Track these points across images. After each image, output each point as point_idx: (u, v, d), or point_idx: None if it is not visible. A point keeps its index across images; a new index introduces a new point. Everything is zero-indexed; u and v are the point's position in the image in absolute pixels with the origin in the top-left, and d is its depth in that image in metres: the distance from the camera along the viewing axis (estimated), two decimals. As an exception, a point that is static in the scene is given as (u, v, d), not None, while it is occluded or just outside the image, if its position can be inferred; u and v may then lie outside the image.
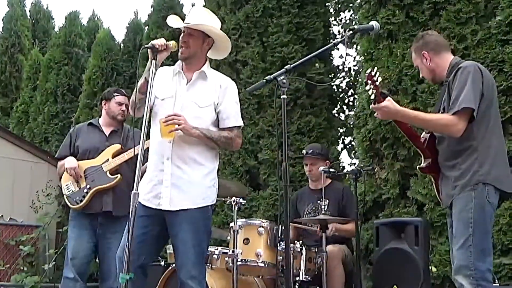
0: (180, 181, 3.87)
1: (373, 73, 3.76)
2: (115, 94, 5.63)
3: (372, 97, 3.80)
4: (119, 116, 5.58)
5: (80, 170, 5.32)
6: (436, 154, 4.00)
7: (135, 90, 3.92)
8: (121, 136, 5.54)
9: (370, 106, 3.98)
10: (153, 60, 3.71)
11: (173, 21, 3.98)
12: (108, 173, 5.31)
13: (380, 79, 3.76)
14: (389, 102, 3.80)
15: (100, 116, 5.74)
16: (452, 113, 3.73)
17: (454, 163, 3.83)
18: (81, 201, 5.28)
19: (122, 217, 5.26)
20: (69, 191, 5.34)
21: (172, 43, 3.81)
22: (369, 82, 3.76)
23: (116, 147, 5.42)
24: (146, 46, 3.73)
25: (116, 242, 5.30)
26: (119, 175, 5.30)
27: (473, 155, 3.76)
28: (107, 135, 5.54)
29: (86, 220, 5.35)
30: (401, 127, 4.04)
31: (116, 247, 5.31)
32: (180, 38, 3.95)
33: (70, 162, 5.34)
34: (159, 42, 3.75)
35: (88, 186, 5.29)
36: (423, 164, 4.10)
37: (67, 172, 5.32)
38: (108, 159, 5.36)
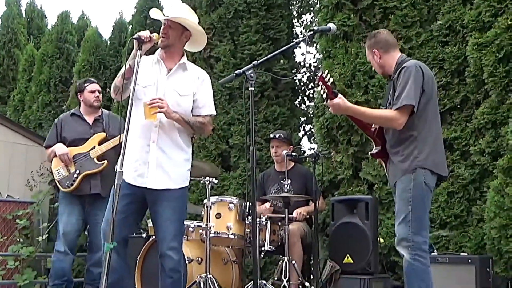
0: (164, 163, 3.85)
1: (324, 75, 3.80)
2: (86, 84, 5.59)
3: (324, 96, 3.86)
4: (95, 102, 5.54)
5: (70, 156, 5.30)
6: (384, 142, 4.05)
7: (118, 75, 3.88)
8: (103, 124, 5.49)
9: (324, 103, 4.01)
10: (138, 50, 3.68)
11: (155, 13, 3.94)
12: (95, 159, 5.28)
13: (331, 79, 3.81)
14: (340, 99, 3.85)
15: (79, 106, 5.67)
16: (394, 108, 3.79)
17: (398, 150, 3.90)
18: (71, 185, 5.26)
19: (108, 196, 5.26)
20: (60, 175, 5.31)
21: (155, 35, 3.79)
22: (321, 83, 3.81)
23: (102, 135, 5.37)
24: (133, 37, 3.71)
25: (103, 218, 5.31)
26: (105, 161, 5.28)
27: (413, 143, 3.83)
28: (90, 124, 5.49)
29: (76, 199, 5.34)
30: (353, 119, 4.12)
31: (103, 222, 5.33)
32: (161, 29, 3.92)
33: (61, 148, 5.30)
34: (145, 34, 3.72)
35: (77, 171, 5.26)
36: (373, 151, 4.16)
37: (59, 158, 5.26)
38: (94, 146, 5.32)
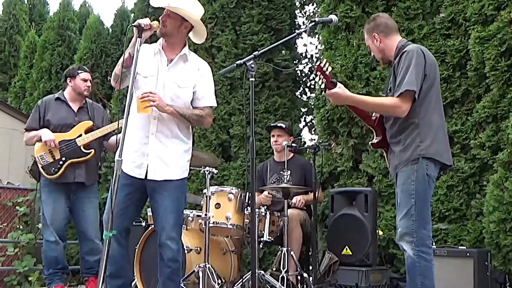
0: (163, 155, 3.84)
1: (322, 65, 3.66)
2: (79, 71, 5.51)
3: (323, 86, 3.73)
4: (85, 91, 5.48)
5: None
6: (385, 131, 3.94)
7: (118, 63, 3.85)
8: (88, 113, 5.45)
9: (322, 94, 3.91)
10: (138, 38, 3.64)
11: (155, 1, 3.89)
12: (82, 147, 5.24)
13: (330, 69, 3.68)
14: (339, 89, 3.72)
15: (63, 90, 5.58)
16: (396, 95, 3.67)
17: (399, 139, 3.78)
18: (56, 172, 5.19)
19: (93, 185, 5.28)
20: (44, 161, 5.21)
21: (155, 23, 3.75)
22: (319, 73, 3.67)
23: (88, 123, 5.32)
24: (133, 24, 3.66)
25: (90, 205, 5.34)
26: (92, 150, 5.25)
27: (415, 131, 3.70)
28: (75, 111, 5.43)
29: (60, 187, 5.26)
30: (352, 109, 3.96)
31: (90, 211, 5.35)
32: (160, 17, 3.87)
33: (48, 135, 5.21)
34: (145, 21, 3.67)
35: (63, 158, 5.19)
36: (374, 140, 4.03)
37: (45, 143, 5.19)
38: (81, 134, 5.26)
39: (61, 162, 5.20)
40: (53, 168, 5.21)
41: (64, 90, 5.58)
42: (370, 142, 4.15)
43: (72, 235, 6.89)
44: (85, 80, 5.48)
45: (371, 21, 4.02)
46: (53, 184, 5.28)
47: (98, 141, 5.35)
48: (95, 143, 5.29)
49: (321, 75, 3.67)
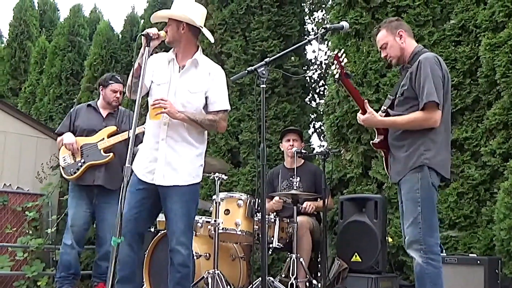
0: (173, 161, 3.86)
1: (339, 54, 3.75)
2: (111, 82, 5.60)
3: (337, 76, 3.79)
4: (114, 102, 5.59)
5: (77, 145, 5.35)
6: (387, 132, 3.96)
7: (130, 74, 3.90)
8: (117, 119, 5.55)
9: (358, 120, 3.94)
10: (146, 47, 3.69)
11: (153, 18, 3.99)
12: (102, 151, 5.34)
13: (346, 60, 3.75)
14: (370, 114, 3.81)
15: (98, 98, 5.72)
16: (421, 108, 3.68)
17: (402, 144, 3.80)
18: (74, 173, 5.34)
19: (116, 190, 5.31)
20: (65, 162, 5.40)
21: (162, 32, 3.83)
22: (335, 62, 3.75)
23: (112, 128, 5.43)
24: (141, 34, 3.71)
25: (110, 212, 5.37)
26: (111, 154, 5.33)
27: (420, 139, 3.72)
28: (104, 116, 5.56)
29: (83, 191, 5.40)
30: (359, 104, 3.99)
31: (110, 216, 5.38)
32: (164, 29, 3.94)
33: (68, 138, 5.37)
34: (153, 31, 3.73)
35: (82, 161, 5.33)
36: (375, 140, 4.05)
37: (65, 147, 5.34)
38: (103, 138, 5.37)
39: (80, 164, 5.34)
40: (72, 169, 5.37)
41: (98, 97, 5.74)
42: (371, 142, 4.17)
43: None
44: (115, 91, 5.58)
45: (393, 21, 4.03)
46: (77, 189, 5.44)
47: (124, 146, 5.38)
48: (121, 148, 5.30)
49: (337, 65, 3.76)
